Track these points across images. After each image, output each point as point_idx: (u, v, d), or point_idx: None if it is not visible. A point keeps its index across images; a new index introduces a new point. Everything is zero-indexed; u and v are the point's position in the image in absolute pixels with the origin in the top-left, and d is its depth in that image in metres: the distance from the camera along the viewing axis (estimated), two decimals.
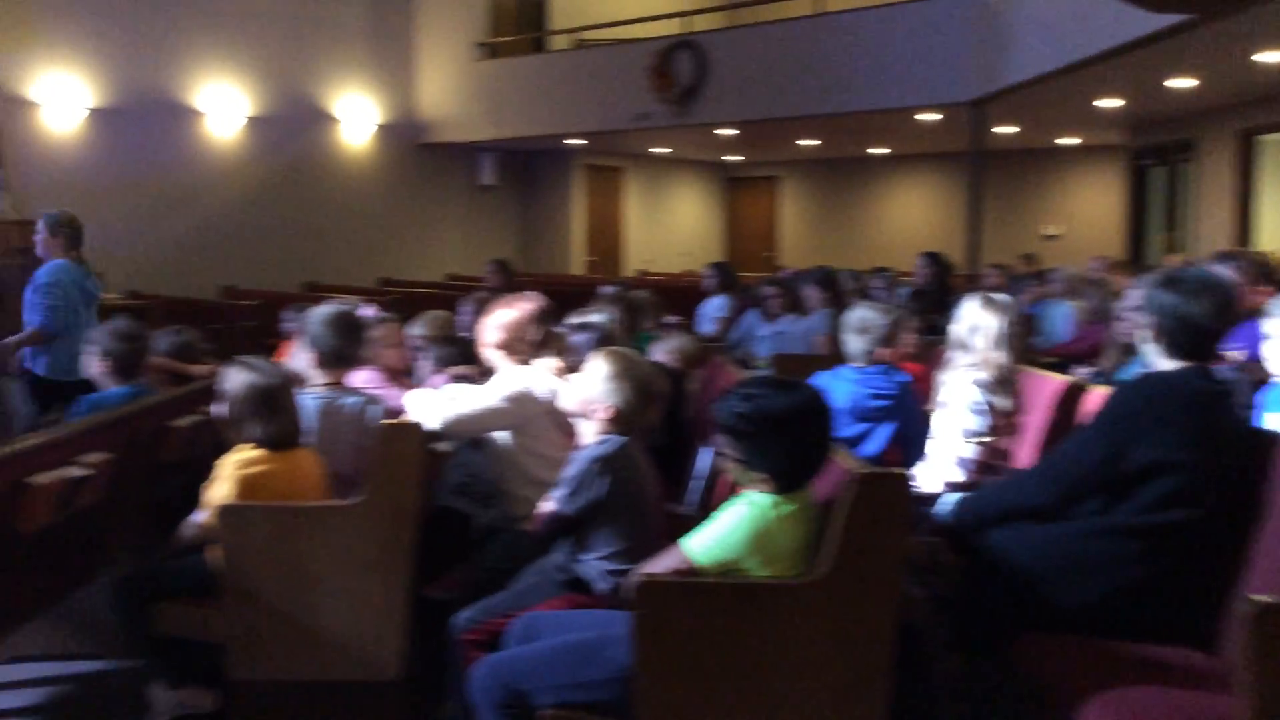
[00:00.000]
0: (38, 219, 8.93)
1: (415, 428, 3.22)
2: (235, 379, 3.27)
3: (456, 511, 3.96)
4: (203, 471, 4.44)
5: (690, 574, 2.40)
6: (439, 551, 3.73)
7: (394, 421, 3.27)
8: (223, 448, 4.41)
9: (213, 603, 3.18)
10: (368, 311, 4.26)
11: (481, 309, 5.84)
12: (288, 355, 6.21)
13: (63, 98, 11.29)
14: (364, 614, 3.14)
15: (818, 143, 15.45)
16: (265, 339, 9.07)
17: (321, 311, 3.72)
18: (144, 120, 11.88)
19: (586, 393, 2.97)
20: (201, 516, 3.28)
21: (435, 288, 13.56)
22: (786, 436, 2.43)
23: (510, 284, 7.95)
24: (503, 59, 14.61)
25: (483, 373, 4.46)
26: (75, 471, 3.37)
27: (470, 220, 15.75)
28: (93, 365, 4.22)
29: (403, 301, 10.35)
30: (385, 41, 14.24)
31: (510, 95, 14.09)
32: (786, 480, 2.44)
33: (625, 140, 15.04)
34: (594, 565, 2.88)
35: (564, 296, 7.18)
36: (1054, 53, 8.46)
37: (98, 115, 11.56)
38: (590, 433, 3.00)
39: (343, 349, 3.68)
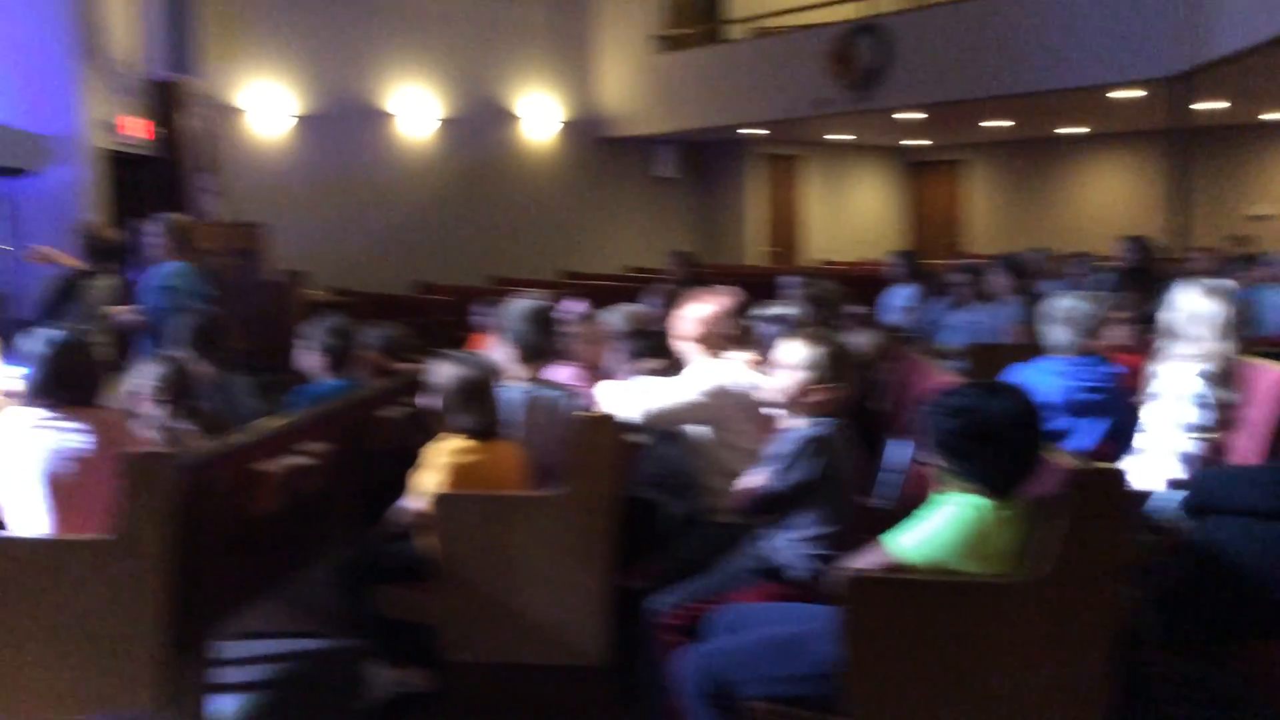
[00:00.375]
0: (252, 222, 9.54)
1: (612, 420, 3.29)
2: (445, 372, 3.40)
3: (647, 501, 4.02)
4: (408, 460, 4.67)
5: (900, 571, 2.37)
6: (632, 541, 3.79)
7: (592, 414, 3.34)
8: (426, 437, 4.63)
9: (427, 586, 3.33)
10: (575, 307, 4.36)
11: (668, 302, 5.92)
12: (480, 347, 6.45)
13: (270, 106, 12.00)
14: (567, 601, 3.22)
15: (1006, 124, 14.90)
16: (457, 332, 9.42)
17: (520, 307, 3.83)
18: (343, 125, 12.50)
19: (793, 376, 2.97)
20: (412, 503, 3.44)
21: (615, 280, 13.75)
22: (1001, 448, 2.36)
23: (692, 276, 7.98)
24: (679, 51, 14.67)
25: (672, 365, 4.51)
26: (299, 460, 3.59)
27: (648, 212, 15.90)
28: (308, 359, 4.47)
29: (584, 294, 10.55)
30: (565, 40, 14.52)
31: (687, 87, 14.14)
32: (1002, 489, 2.38)
33: (803, 128, 14.88)
34: (794, 548, 2.89)
35: (744, 288, 7.16)
36: (1270, 20, 7.90)
37: (302, 122, 12.24)
38: (796, 416, 2.99)
39: (540, 343, 3.78)
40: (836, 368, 2.95)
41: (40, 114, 10.08)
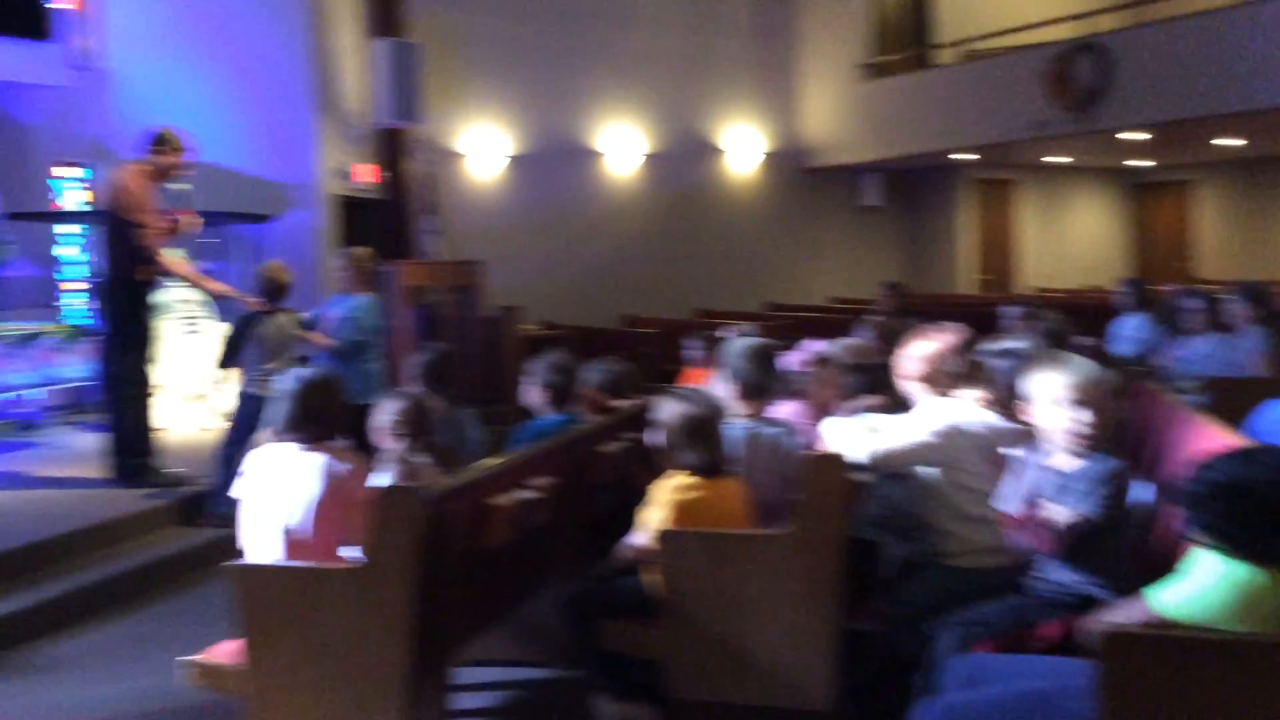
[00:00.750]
0: (470, 260, 9.94)
1: (840, 459, 3.24)
2: (670, 408, 3.43)
3: (869, 542, 3.93)
4: (628, 494, 4.74)
5: (1164, 628, 2.22)
6: (853, 583, 3.72)
7: (820, 453, 3.30)
8: (647, 472, 4.68)
9: (652, 622, 3.35)
10: (814, 347, 4.34)
11: (881, 334, 5.81)
12: (692, 382, 6.48)
13: (487, 148, 12.53)
14: (794, 642, 3.18)
15: (1239, 142, 13.97)
16: (664, 365, 9.54)
17: (741, 344, 3.84)
18: (554, 164, 12.92)
19: (1068, 412, 2.89)
20: (637, 538, 3.48)
21: (820, 311, 13.62)
22: (1271, 523, 2.19)
23: (904, 307, 7.81)
24: (886, 78, 14.46)
25: (892, 402, 4.40)
26: (527, 494, 3.69)
27: (853, 242, 15.70)
28: (531, 394, 4.61)
29: (790, 326, 10.49)
30: (769, 72, 14.56)
31: (895, 114, 13.92)
32: (1275, 559, 2.21)
33: (1017, 151, 14.38)
34: (1083, 588, 2.80)
35: (957, 318, 6.95)
36: None
37: (515, 162, 12.73)
38: (1069, 452, 2.92)
39: (761, 381, 3.77)
40: (1106, 400, 2.85)
41: (283, 165, 10.86)
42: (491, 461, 3.70)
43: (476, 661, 4.04)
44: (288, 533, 3.27)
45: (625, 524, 4.48)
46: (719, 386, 3.88)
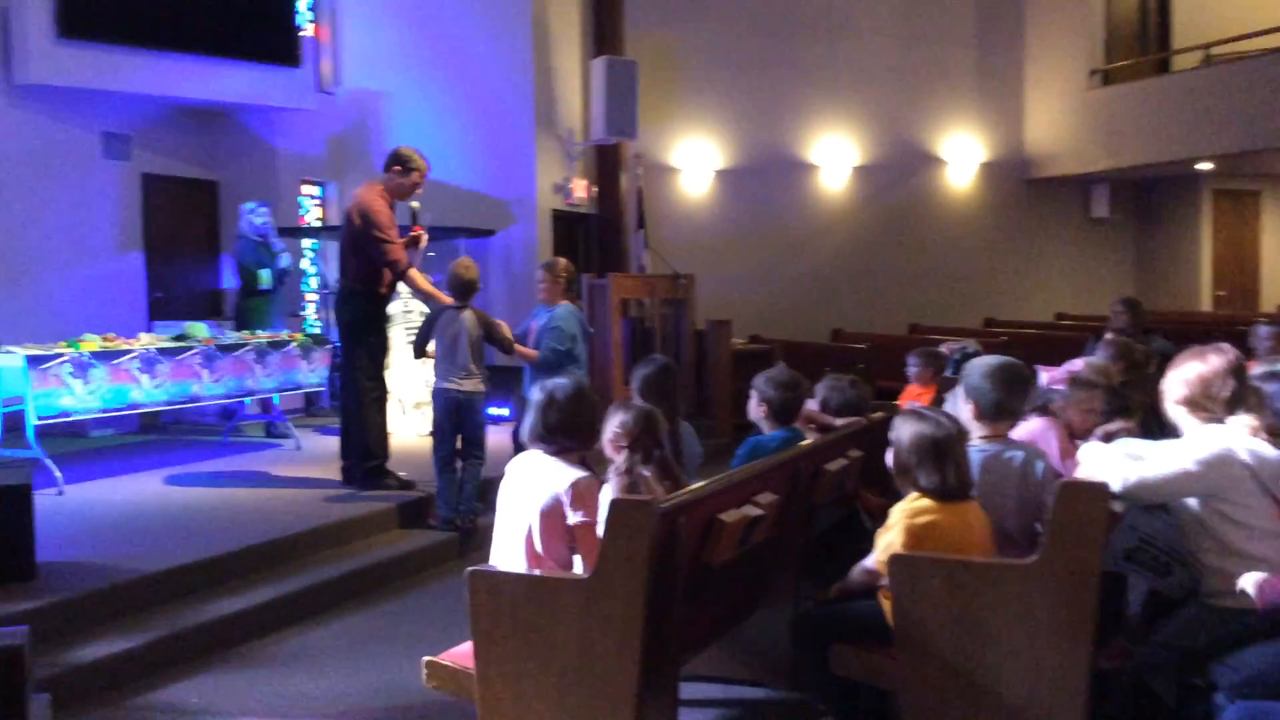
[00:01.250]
0: (681, 274, 9.98)
1: (1100, 488, 3.01)
2: (906, 428, 3.30)
3: (1117, 576, 3.67)
4: (851, 513, 4.61)
5: None
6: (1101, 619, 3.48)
7: (1078, 480, 3.09)
8: (869, 492, 4.54)
9: (884, 649, 3.22)
10: (1075, 365, 4.13)
11: (1117, 354, 5.45)
12: (914, 399, 6.27)
13: (697, 162, 12.59)
14: (1040, 680, 2.99)
15: None
16: (874, 381, 9.30)
17: (982, 363, 3.65)
18: (763, 177, 12.85)
19: None
20: (871, 561, 3.35)
21: (1043, 328, 13.01)
22: None
23: (1139, 324, 7.33)
24: (1119, 85, 13.71)
25: (1141, 425, 4.12)
26: (752, 510, 3.61)
27: (1079, 256, 14.93)
28: (754, 409, 4.54)
29: (1011, 343, 10.04)
30: (993, 80, 14.03)
31: (1129, 122, 13.17)
32: None
33: (1264, 160, 13.35)
34: None
35: (1198, 338, 6.46)
36: None
37: (723, 175, 12.73)
38: None
39: (1004, 401, 3.57)
40: None
41: (505, 181, 11.22)
42: (715, 477, 3.64)
43: (697, 677, 4.00)
44: (528, 540, 3.32)
45: (846, 544, 4.37)
46: (956, 406, 3.70)
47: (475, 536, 5.96)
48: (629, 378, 8.37)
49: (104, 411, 6.66)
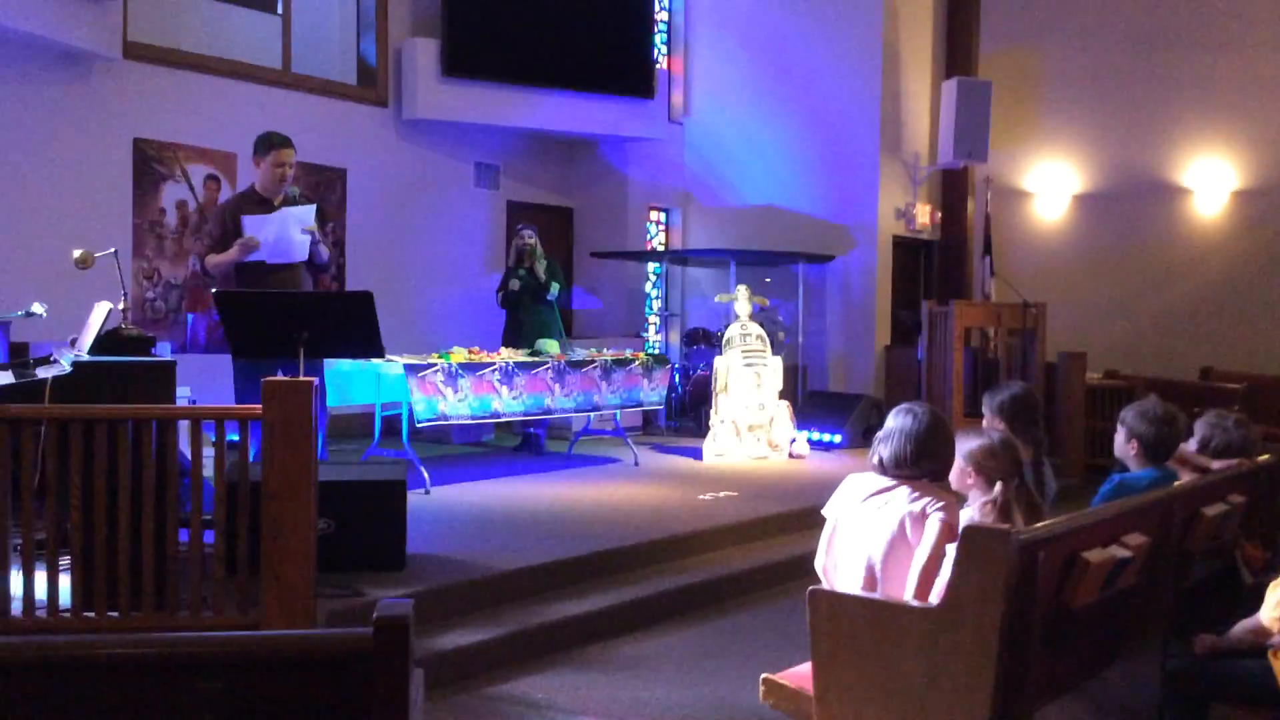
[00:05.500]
0: (1030, 303, 9.48)
1: None
2: None
3: None
4: (1228, 564, 4.15)
5: None
6: None
7: None
8: (1252, 543, 4.07)
9: (1276, 714, 2.86)
10: None
11: None
12: None
13: (1052, 185, 11.92)
14: None
15: None
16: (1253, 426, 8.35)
17: None
18: (1127, 201, 11.96)
19: None
20: (1264, 618, 2.99)
21: None
22: None
23: None
24: None
25: None
26: (1120, 551, 3.33)
27: None
28: (1121, 445, 4.19)
29: None
30: None
31: None
32: None
33: None
34: None
35: None
36: None
37: (1082, 200, 11.97)
38: None
39: None
40: None
41: (846, 206, 11.16)
42: (1089, 514, 3.38)
43: None
44: (869, 566, 3.23)
45: (1222, 597, 3.93)
46: None
47: None
48: (968, 410, 8.03)
49: (472, 418, 7.18)
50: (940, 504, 3.20)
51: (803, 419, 9.50)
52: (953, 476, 3.47)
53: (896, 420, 3.33)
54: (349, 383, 6.94)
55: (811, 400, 10.32)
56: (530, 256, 8.74)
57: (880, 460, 3.33)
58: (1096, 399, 9.76)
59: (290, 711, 1.68)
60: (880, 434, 3.36)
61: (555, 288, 8.80)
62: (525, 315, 8.82)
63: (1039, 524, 3.08)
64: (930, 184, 11.64)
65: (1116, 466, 4.32)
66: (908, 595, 3.15)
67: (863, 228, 11.03)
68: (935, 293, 11.59)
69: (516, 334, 8.73)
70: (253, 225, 5.85)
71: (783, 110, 11.30)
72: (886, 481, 3.30)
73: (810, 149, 11.22)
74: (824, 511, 3.46)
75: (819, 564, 3.41)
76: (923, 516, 3.18)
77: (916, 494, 3.23)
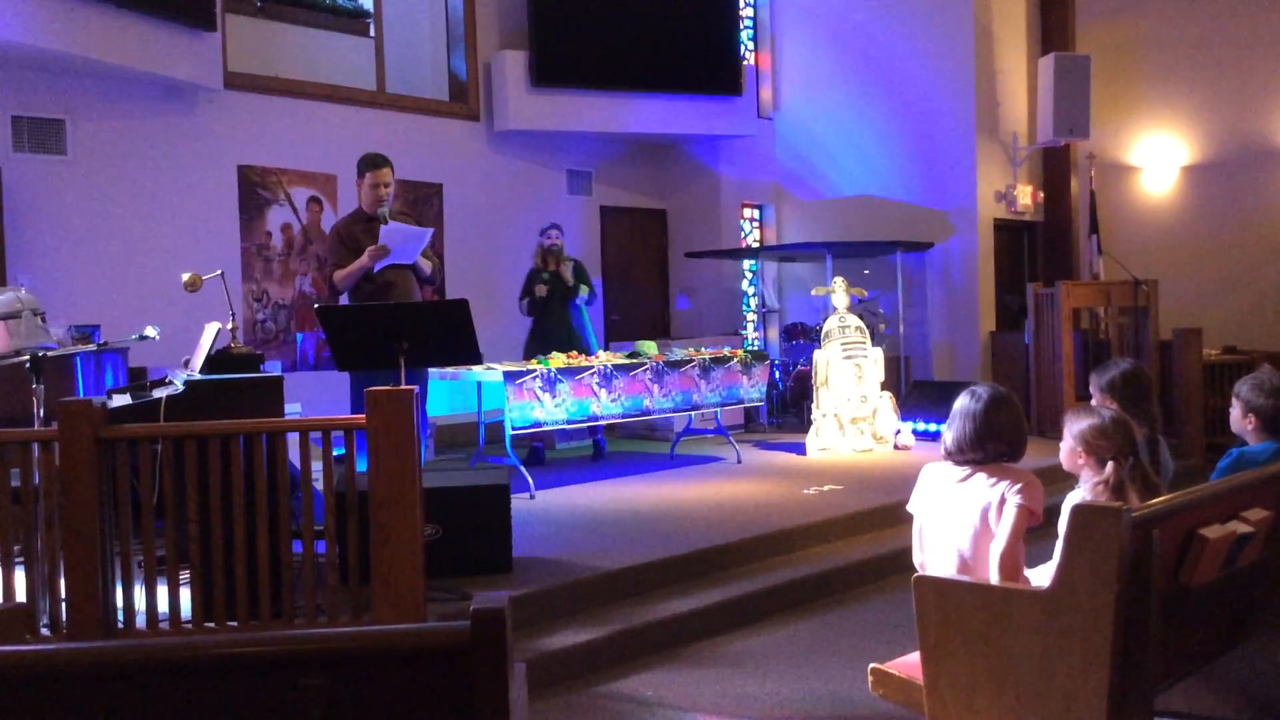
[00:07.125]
0: (1141, 280, 9.18)
1: None
2: None
3: None
4: None
5: None
6: None
7: None
8: None
9: None
10: None
11: None
12: None
13: (1159, 159, 11.51)
14: None
15: None
16: None
17: None
18: (1237, 171, 11.47)
19: None
20: None
21: None
22: None
23: None
24: None
25: None
26: (1240, 527, 3.20)
27: None
28: (1238, 418, 4.04)
29: None
30: None
31: None
32: None
33: None
34: None
35: None
36: None
37: (1191, 172, 11.52)
38: None
39: None
40: None
41: (943, 192, 10.96)
42: (1205, 489, 3.26)
43: (1172, 713, 3.59)
44: (961, 558, 3.17)
45: None
46: None
47: None
48: (1080, 394, 7.78)
49: (569, 423, 7.24)
50: (1017, 486, 3.11)
51: (907, 410, 9.34)
52: (1063, 456, 3.37)
53: (959, 403, 3.26)
54: (453, 392, 7.07)
55: (916, 390, 10.15)
56: (556, 258, 8.26)
57: (945, 447, 3.26)
58: (1214, 376, 9.39)
59: (393, 704, 1.72)
60: (947, 421, 3.30)
61: (585, 291, 8.30)
62: (552, 323, 8.29)
63: (1153, 500, 2.98)
64: (1031, 164, 11.35)
65: (1235, 443, 4.17)
66: (992, 582, 3.08)
67: (962, 212, 10.80)
68: (1041, 275, 11.29)
69: (543, 343, 8.13)
70: (385, 234, 6.04)
71: (873, 98, 11.15)
72: (962, 471, 3.23)
73: (903, 136, 11.04)
74: (908, 508, 3.41)
75: (916, 560, 3.37)
76: (1002, 503, 3.11)
77: (994, 479, 3.16)
